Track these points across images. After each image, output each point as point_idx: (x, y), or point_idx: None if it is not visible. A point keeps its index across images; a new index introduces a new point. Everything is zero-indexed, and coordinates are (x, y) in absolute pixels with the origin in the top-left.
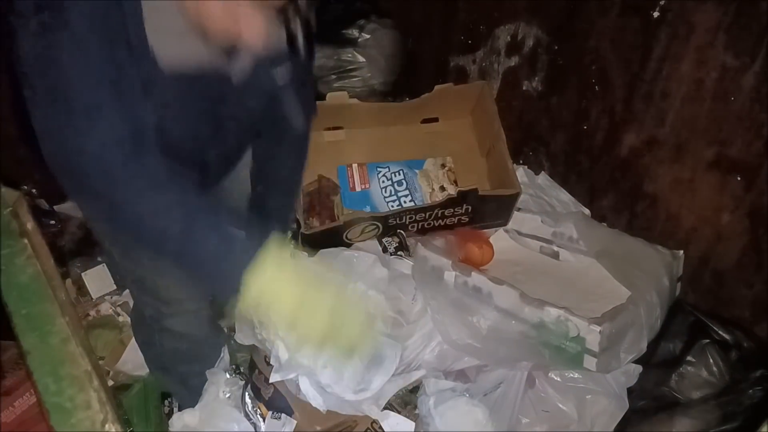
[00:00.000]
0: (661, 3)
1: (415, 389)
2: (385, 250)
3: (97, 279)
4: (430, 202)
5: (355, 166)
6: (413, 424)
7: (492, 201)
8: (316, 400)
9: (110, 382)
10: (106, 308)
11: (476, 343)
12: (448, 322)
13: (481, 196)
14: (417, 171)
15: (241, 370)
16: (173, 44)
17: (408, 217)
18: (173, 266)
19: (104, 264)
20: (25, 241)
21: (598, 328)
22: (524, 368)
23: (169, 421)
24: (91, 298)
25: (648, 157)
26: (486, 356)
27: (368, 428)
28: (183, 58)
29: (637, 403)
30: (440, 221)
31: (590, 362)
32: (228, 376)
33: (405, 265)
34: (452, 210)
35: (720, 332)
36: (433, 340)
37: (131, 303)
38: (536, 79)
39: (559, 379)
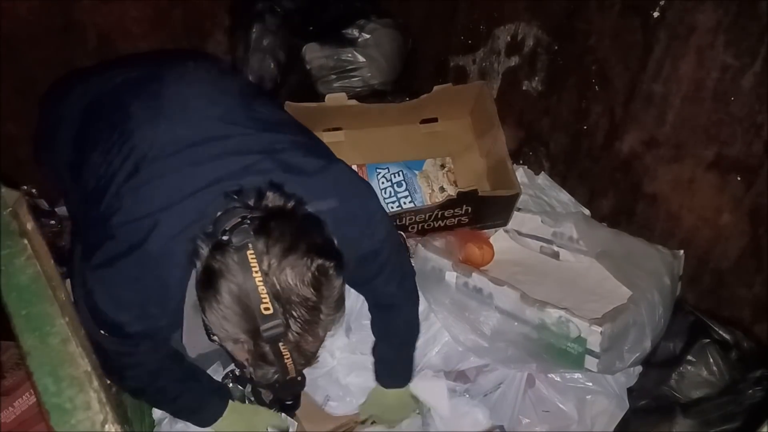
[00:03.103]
0: (661, 3)
1: None
2: None
3: None
4: (429, 203)
5: (354, 167)
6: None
7: (492, 201)
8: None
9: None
10: None
11: (484, 342)
12: (452, 324)
13: (481, 197)
14: (416, 172)
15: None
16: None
17: (408, 218)
18: None
19: None
20: (25, 241)
21: (599, 329)
22: (526, 369)
23: (163, 422)
24: None
25: (648, 157)
26: (494, 356)
27: None
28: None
29: (637, 403)
30: (440, 222)
31: (592, 363)
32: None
33: None
34: (452, 211)
35: (720, 332)
36: (439, 341)
37: None
38: (536, 79)
39: (559, 379)
